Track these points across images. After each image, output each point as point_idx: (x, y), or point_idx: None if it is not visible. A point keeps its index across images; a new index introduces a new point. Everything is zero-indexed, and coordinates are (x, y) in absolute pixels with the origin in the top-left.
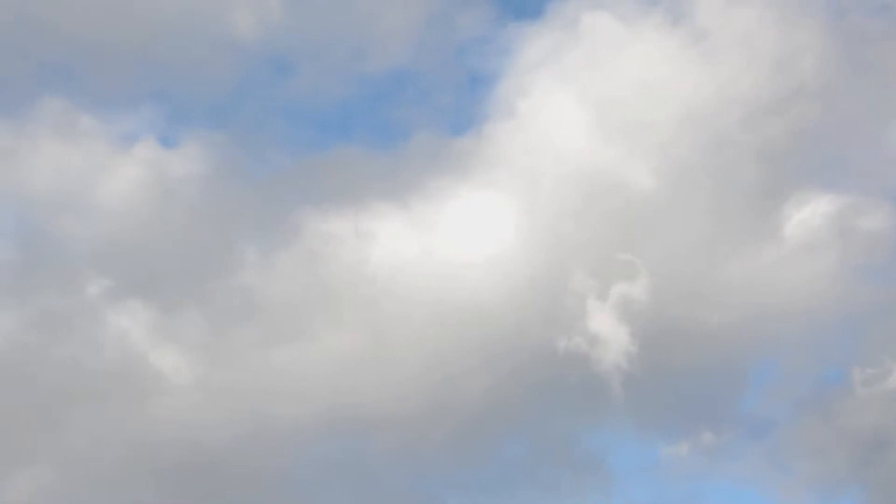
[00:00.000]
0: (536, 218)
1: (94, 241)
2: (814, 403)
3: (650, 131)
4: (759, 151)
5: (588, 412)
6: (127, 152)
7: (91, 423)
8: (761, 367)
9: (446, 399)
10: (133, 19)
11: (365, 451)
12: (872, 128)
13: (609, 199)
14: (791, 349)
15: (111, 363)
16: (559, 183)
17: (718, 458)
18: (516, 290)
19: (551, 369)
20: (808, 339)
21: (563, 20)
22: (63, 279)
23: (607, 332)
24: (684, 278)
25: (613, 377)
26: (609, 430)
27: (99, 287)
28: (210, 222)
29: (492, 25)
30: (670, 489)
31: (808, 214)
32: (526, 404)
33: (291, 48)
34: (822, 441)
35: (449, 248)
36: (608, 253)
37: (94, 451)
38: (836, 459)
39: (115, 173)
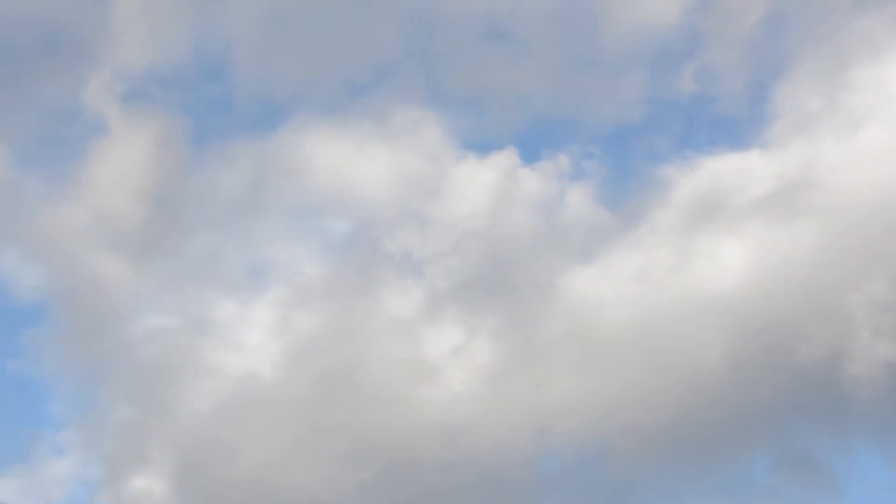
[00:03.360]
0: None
1: (423, 253)
2: None
3: None
4: None
5: (839, 429)
6: (483, 165)
7: (366, 426)
8: None
9: (697, 410)
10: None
11: (606, 459)
12: None
13: None
14: None
15: (413, 372)
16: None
17: None
18: (801, 300)
19: (806, 382)
20: None
21: None
22: (386, 288)
23: (868, 344)
24: None
25: (868, 392)
26: (858, 448)
27: (420, 297)
28: (549, 241)
29: None
30: None
31: None
32: (778, 417)
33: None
34: None
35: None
36: None
37: (360, 454)
38: None
39: (463, 185)
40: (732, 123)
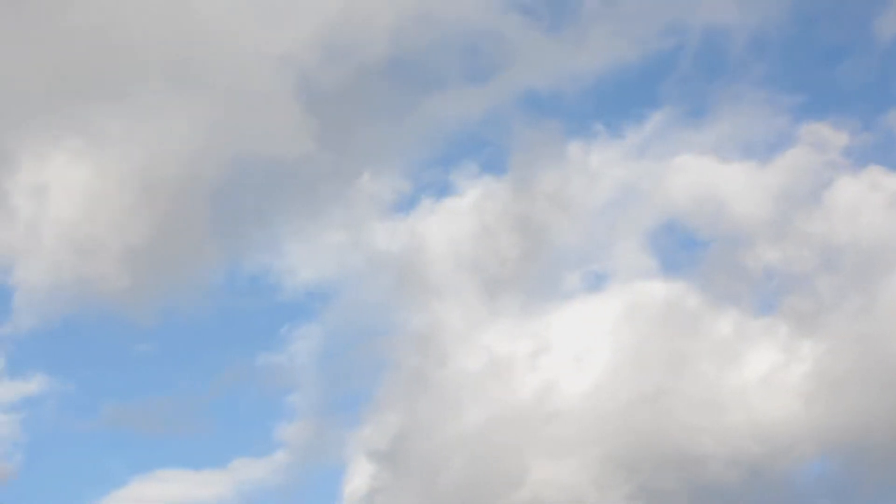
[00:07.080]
0: None
1: (784, 270)
2: None
3: None
4: None
5: None
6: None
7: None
8: None
9: None
10: None
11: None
12: None
13: None
14: None
15: (716, 396)
16: None
17: None
18: None
19: None
20: None
21: None
22: (729, 306)
23: None
24: None
25: None
26: None
27: (761, 318)
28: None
29: None
30: None
31: None
32: None
33: None
34: None
35: None
36: None
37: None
38: None
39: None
40: None
